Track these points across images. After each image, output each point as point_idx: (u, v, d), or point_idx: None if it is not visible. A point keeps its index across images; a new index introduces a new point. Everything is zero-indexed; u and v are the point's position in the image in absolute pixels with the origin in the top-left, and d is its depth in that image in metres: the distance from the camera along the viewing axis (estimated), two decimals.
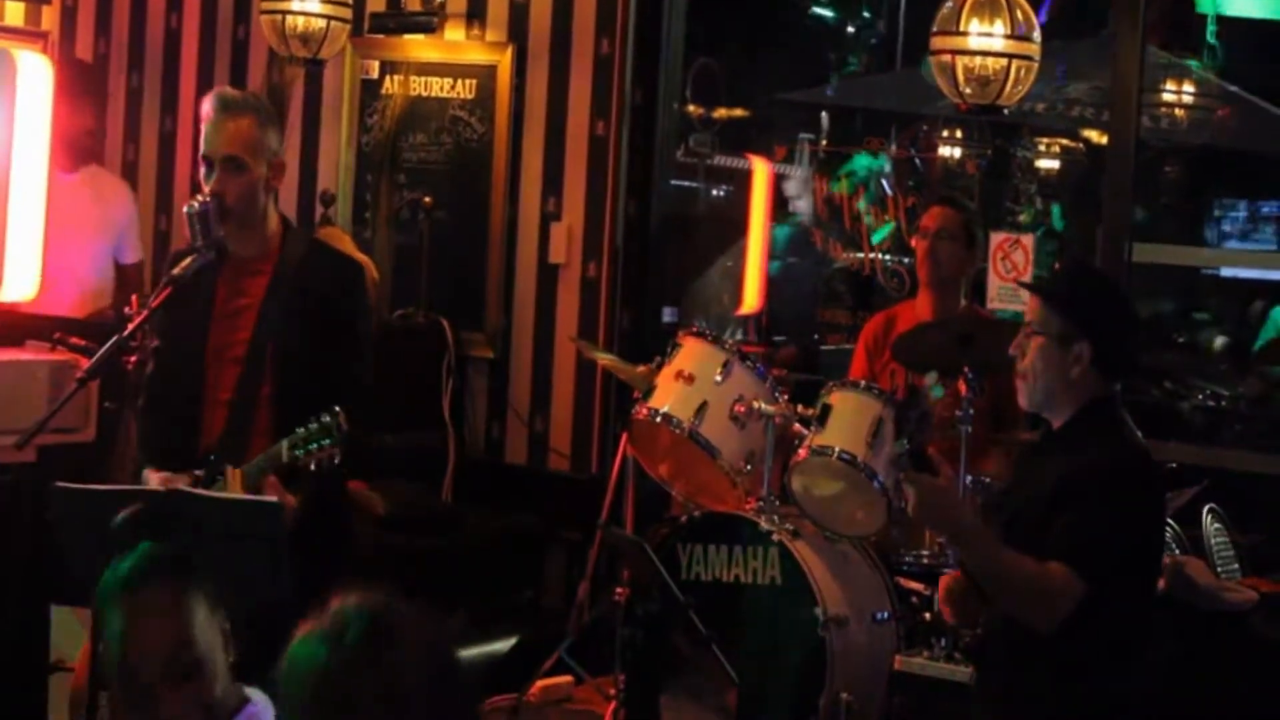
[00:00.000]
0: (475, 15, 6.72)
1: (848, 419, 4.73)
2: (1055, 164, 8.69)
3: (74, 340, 5.02)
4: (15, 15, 7.61)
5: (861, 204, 7.74)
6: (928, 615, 4.71)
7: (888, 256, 7.59)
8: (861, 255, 7.74)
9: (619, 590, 5.06)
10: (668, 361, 5.04)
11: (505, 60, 6.61)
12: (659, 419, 4.94)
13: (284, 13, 6.36)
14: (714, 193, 8.75)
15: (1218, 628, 4.61)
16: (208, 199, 3.97)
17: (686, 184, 8.28)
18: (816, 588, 4.66)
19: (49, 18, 7.72)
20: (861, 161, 7.95)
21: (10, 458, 4.54)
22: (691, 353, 5.01)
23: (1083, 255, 6.96)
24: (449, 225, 6.69)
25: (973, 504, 4.57)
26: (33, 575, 4.74)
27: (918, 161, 8.19)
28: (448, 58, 6.76)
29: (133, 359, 4.09)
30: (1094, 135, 8.19)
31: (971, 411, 4.70)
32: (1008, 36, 5.31)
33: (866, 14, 9.45)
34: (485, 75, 6.67)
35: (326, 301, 4.06)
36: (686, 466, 5.15)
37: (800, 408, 4.93)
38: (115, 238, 6.33)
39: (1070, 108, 8.08)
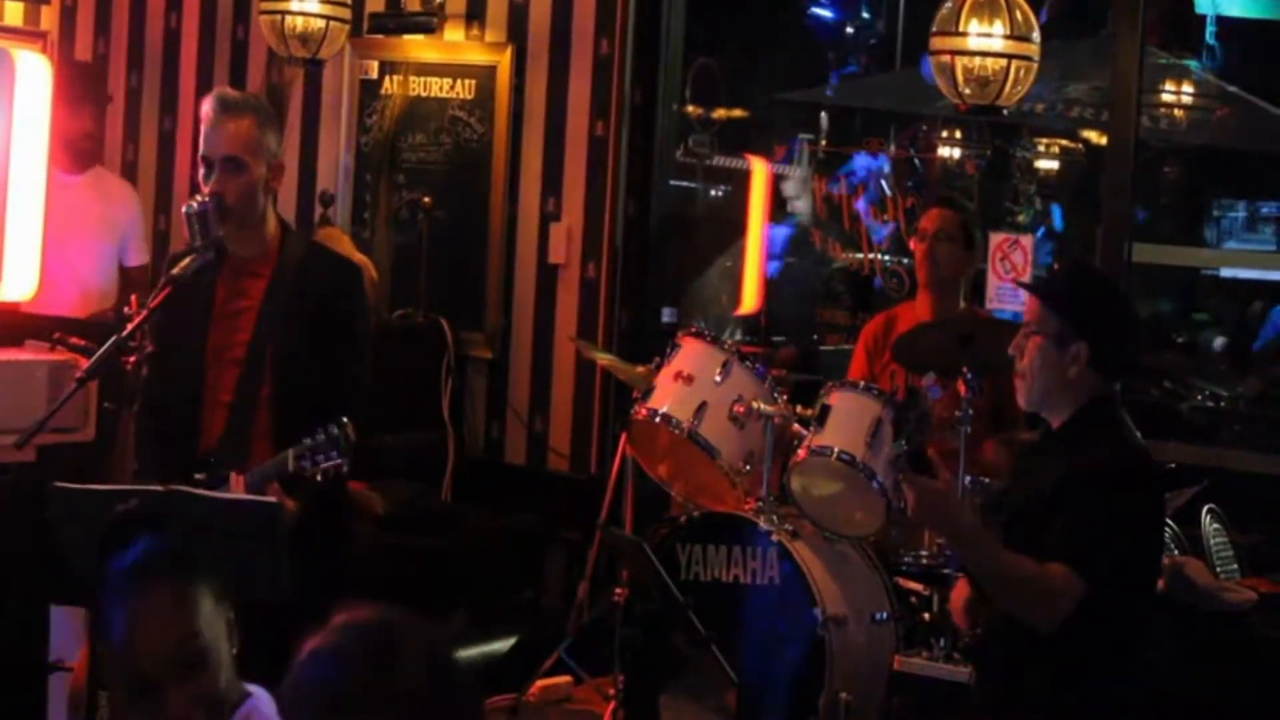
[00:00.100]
0: (475, 15, 6.72)
1: (847, 419, 4.73)
2: (1055, 164, 8.69)
3: (73, 340, 5.02)
4: (14, 15, 7.62)
5: (860, 205, 7.74)
6: (927, 615, 4.72)
7: (887, 257, 7.59)
8: (861, 255, 7.74)
9: (618, 590, 5.07)
10: (667, 362, 5.04)
11: (505, 60, 6.61)
12: (658, 419, 4.94)
13: (283, 13, 6.36)
14: (713, 193, 8.74)
15: (1217, 628, 4.61)
16: (206, 199, 3.97)
17: (686, 184, 8.27)
18: (815, 588, 4.66)
19: (48, 17, 7.72)
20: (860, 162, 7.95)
21: (10, 457, 4.55)
22: (691, 353, 5.01)
23: (1082, 255, 6.96)
24: (448, 225, 6.69)
25: (972, 505, 4.57)
26: (32, 575, 4.73)
27: (917, 162, 8.19)
28: (447, 58, 6.76)
29: (132, 359, 4.09)
30: (1093, 135, 8.19)
31: (971, 412, 4.70)
32: (1007, 37, 5.32)
33: (866, 14, 9.44)
34: (485, 75, 6.66)
35: (325, 303, 4.06)
36: (686, 467, 5.15)
37: (799, 408, 4.93)
38: (119, 240, 6.33)
39: (1070, 108, 8.07)
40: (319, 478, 3.76)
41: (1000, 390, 4.71)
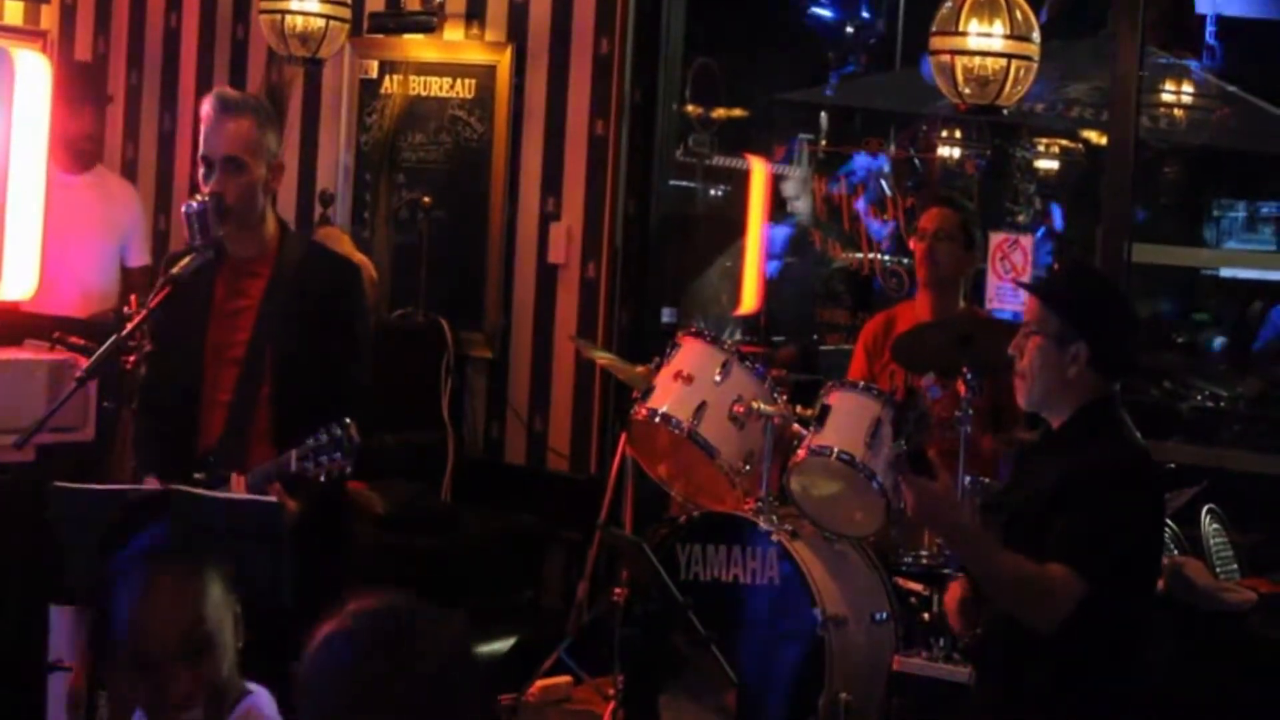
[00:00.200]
0: (474, 15, 6.72)
1: (846, 419, 4.73)
2: (1054, 164, 8.68)
3: (73, 340, 5.02)
4: (14, 14, 7.62)
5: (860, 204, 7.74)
6: (926, 615, 4.72)
7: (887, 257, 7.59)
8: (861, 255, 7.73)
9: (618, 590, 5.06)
10: (667, 362, 5.04)
11: (504, 60, 6.60)
12: (658, 419, 4.94)
13: (283, 12, 6.36)
14: (713, 193, 8.73)
15: (1217, 628, 4.61)
16: (206, 199, 3.97)
17: (686, 184, 8.26)
18: (815, 588, 4.66)
19: (48, 17, 7.72)
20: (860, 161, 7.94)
21: (9, 457, 4.55)
22: (690, 353, 5.01)
23: (1082, 255, 6.96)
24: (448, 225, 6.69)
25: (972, 505, 4.57)
26: (32, 575, 4.74)
27: (917, 162, 8.18)
28: (447, 57, 6.76)
29: (131, 358, 4.09)
30: (1093, 135, 8.18)
31: (971, 412, 4.70)
32: (1007, 37, 5.31)
33: (866, 14, 9.43)
34: (484, 75, 6.66)
35: (325, 303, 4.06)
36: (685, 467, 5.15)
37: (799, 408, 4.94)
38: (121, 240, 6.33)
39: (1070, 108, 8.07)
40: (322, 478, 3.76)
41: (1000, 390, 4.71)
